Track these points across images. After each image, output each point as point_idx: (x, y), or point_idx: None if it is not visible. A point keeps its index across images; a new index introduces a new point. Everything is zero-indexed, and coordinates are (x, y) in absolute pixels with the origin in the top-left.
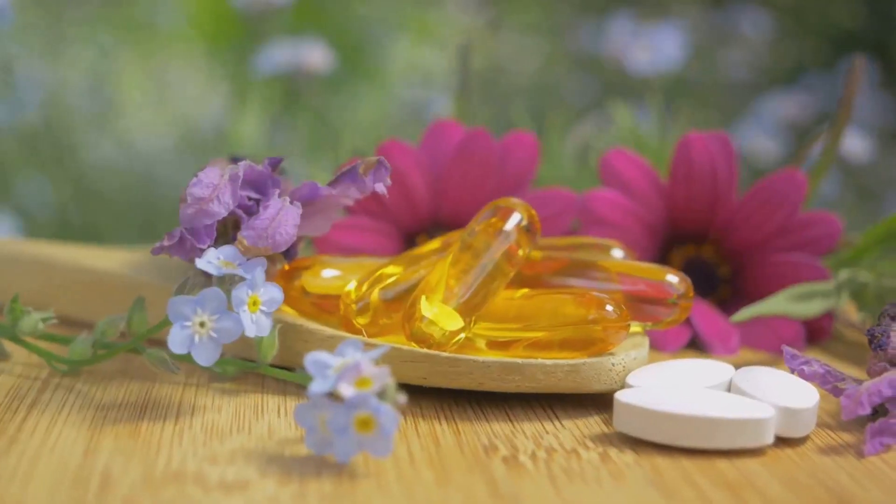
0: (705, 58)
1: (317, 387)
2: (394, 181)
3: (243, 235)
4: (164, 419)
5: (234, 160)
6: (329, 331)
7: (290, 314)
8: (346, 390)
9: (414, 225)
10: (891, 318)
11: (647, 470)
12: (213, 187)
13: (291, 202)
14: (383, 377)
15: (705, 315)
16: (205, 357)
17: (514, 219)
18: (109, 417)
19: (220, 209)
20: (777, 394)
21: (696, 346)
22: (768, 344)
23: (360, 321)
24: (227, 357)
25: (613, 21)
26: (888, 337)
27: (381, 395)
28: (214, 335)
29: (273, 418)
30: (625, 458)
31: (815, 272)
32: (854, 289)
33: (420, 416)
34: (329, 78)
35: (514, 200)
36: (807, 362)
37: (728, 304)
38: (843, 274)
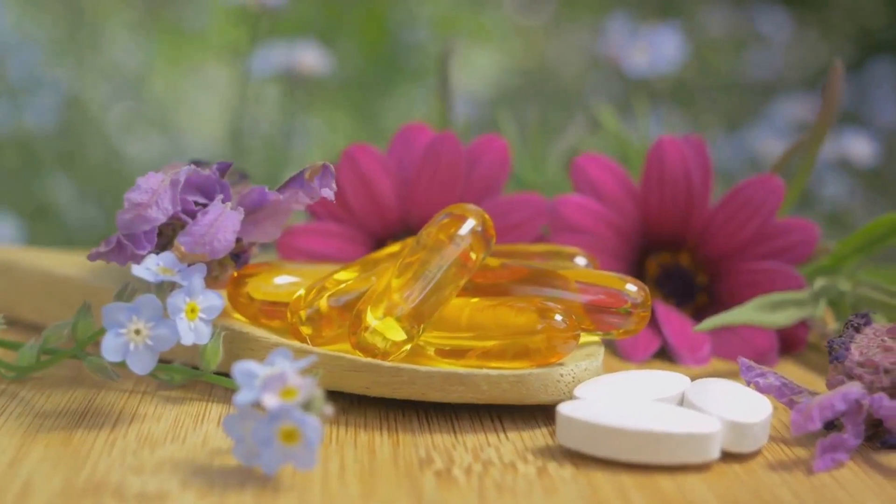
0: (724, 58)
1: (242, 397)
2: (360, 186)
3: (180, 241)
4: (99, 428)
5: (196, 164)
6: (275, 338)
7: (241, 321)
8: (270, 401)
9: (382, 230)
10: (854, 329)
11: (582, 486)
12: (152, 192)
13: (235, 208)
14: (309, 387)
15: (676, 324)
16: (140, 365)
17: (468, 225)
18: (45, 425)
19: (159, 215)
20: (726, 407)
21: (668, 356)
22: (742, 354)
23: (305, 330)
24: (176, 364)
25: (612, 22)
26: (847, 349)
27: (307, 406)
28: (151, 343)
29: (211, 428)
30: (563, 472)
31: (791, 280)
32: (832, 297)
33: (362, 427)
34: (381, 79)
35: (469, 206)
36: (762, 374)
37: (705, 312)
38: (819, 282)
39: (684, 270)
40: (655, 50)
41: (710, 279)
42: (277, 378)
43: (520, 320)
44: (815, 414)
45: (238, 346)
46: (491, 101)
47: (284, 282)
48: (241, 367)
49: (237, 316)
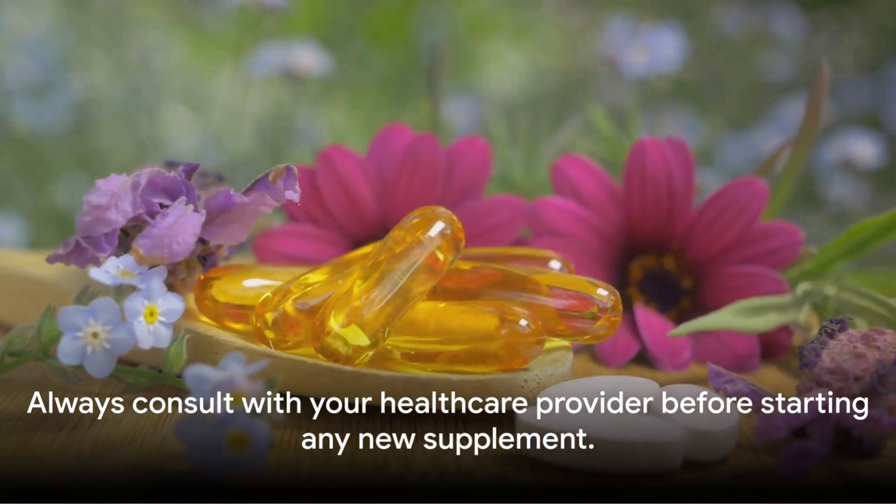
0: (736, 58)
1: (193, 401)
2: (338, 188)
3: (138, 244)
4: (58, 432)
5: (170, 165)
6: (240, 342)
7: (208, 324)
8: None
9: (360, 232)
10: (828, 335)
11: (539, 493)
12: (112, 195)
13: (197, 210)
14: (258, 392)
15: (655, 329)
16: (97, 369)
17: (436, 227)
18: (5, 428)
19: (118, 217)
20: (691, 415)
21: (648, 361)
22: (723, 360)
23: (269, 335)
24: (142, 367)
25: (611, 22)
26: (817, 355)
27: (257, 410)
28: (108, 346)
29: (170, 432)
30: (520, 480)
31: (774, 284)
32: (816, 302)
33: (322, 430)
34: (408, 80)
35: (438, 209)
36: (731, 381)
37: (689, 316)
38: (803, 286)
39: (669, 274)
40: (654, 50)
41: (695, 283)
42: (227, 383)
43: (482, 325)
44: (780, 422)
45: (203, 349)
46: (520, 104)
47: (253, 284)
48: (193, 372)
49: (204, 319)
